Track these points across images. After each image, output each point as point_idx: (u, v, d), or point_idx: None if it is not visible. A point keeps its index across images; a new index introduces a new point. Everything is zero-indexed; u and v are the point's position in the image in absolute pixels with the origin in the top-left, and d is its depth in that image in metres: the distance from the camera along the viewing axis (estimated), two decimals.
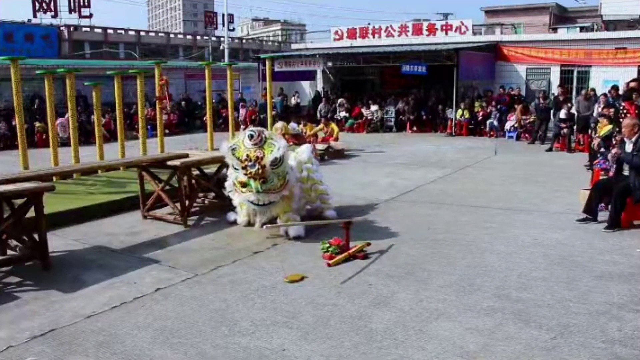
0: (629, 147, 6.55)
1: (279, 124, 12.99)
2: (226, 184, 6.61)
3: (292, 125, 13.58)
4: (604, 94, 13.42)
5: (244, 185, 6.07)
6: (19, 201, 5.34)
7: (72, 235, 6.51)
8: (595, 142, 9.87)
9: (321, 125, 14.44)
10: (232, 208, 6.89)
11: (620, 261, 5.27)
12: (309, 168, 6.82)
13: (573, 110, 14.06)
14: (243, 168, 5.95)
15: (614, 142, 8.65)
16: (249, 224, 6.71)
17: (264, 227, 6.24)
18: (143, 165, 7.27)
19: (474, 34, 21.28)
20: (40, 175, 5.99)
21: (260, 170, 5.84)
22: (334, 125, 14.71)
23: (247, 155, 5.91)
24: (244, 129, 13.36)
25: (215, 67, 14.12)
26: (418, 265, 5.22)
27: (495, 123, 16.90)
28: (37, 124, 16.24)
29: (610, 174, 7.20)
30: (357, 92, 21.38)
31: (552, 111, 15.18)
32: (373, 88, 22.34)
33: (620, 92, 13.13)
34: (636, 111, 9.07)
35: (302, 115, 17.93)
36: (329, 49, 21.38)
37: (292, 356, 3.56)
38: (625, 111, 9.92)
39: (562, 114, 13.88)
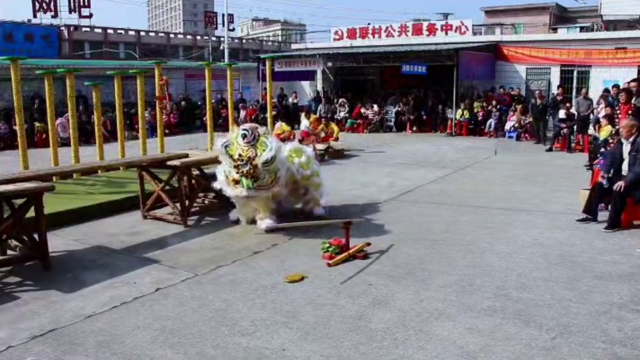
0: (626, 148, 6.56)
1: (277, 124, 13.01)
2: (217, 179, 6.51)
3: (305, 123, 13.70)
4: (603, 95, 13.43)
5: (236, 182, 6.15)
6: (19, 201, 5.34)
7: (72, 235, 6.51)
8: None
9: (321, 126, 14.43)
10: (233, 206, 6.88)
11: (620, 261, 5.27)
12: (309, 157, 6.90)
13: (573, 111, 14.06)
14: (235, 167, 6.04)
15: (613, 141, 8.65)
16: (252, 221, 6.69)
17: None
18: (143, 165, 7.27)
19: (474, 34, 21.30)
20: (40, 175, 5.99)
21: (252, 170, 5.95)
22: (334, 125, 14.71)
23: (240, 155, 6.00)
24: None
25: (215, 67, 14.11)
26: (418, 265, 5.22)
27: (493, 123, 16.91)
28: (37, 124, 16.24)
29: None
30: (357, 92, 21.38)
31: (550, 111, 15.19)
32: (373, 88, 22.34)
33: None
34: (629, 112, 9.04)
35: (309, 111, 17.93)
36: (329, 49, 21.39)
37: (292, 356, 3.56)
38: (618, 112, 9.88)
39: (562, 114, 13.89)
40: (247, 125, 6.38)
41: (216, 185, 6.56)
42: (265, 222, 6.41)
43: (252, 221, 6.70)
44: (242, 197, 6.27)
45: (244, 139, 6.08)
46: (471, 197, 8.28)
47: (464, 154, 13.05)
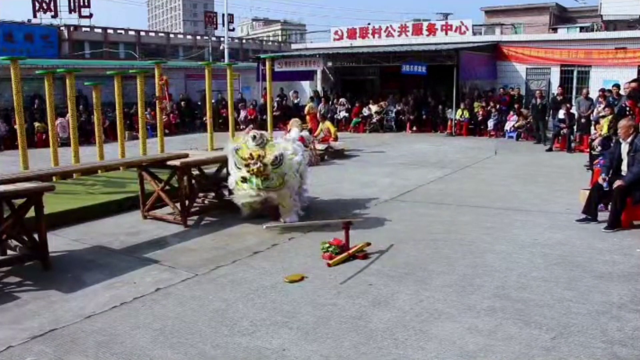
0: (624, 148, 6.56)
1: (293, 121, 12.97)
2: (229, 180, 6.84)
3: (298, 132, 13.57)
4: (604, 95, 13.41)
5: (244, 180, 6.43)
6: (19, 201, 5.34)
7: (72, 235, 6.51)
8: (596, 141, 9.86)
9: (321, 126, 14.41)
10: (234, 208, 6.88)
11: (620, 261, 5.27)
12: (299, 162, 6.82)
13: (573, 111, 14.06)
14: (246, 165, 6.38)
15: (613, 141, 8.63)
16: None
17: (264, 227, 6.26)
18: (143, 165, 7.27)
19: (474, 34, 21.28)
20: (40, 175, 5.99)
21: (262, 168, 6.27)
22: (329, 124, 14.59)
23: (250, 154, 6.36)
24: (245, 128, 13.38)
25: (215, 67, 14.11)
26: (418, 265, 5.22)
27: (491, 123, 16.90)
28: (37, 124, 16.24)
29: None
30: (357, 92, 21.38)
31: (550, 111, 15.18)
32: (373, 88, 22.34)
33: (622, 92, 13.11)
34: None
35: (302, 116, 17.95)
36: (329, 49, 21.38)
37: (292, 356, 3.55)
38: (630, 110, 9.82)
39: (562, 114, 13.89)
40: (256, 131, 6.86)
41: (233, 192, 6.78)
42: (289, 217, 6.74)
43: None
44: (251, 200, 6.57)
45: (253, 140, 6.49)
46: (471, 197, 8.27)
47: (464, 154, 13.04)
